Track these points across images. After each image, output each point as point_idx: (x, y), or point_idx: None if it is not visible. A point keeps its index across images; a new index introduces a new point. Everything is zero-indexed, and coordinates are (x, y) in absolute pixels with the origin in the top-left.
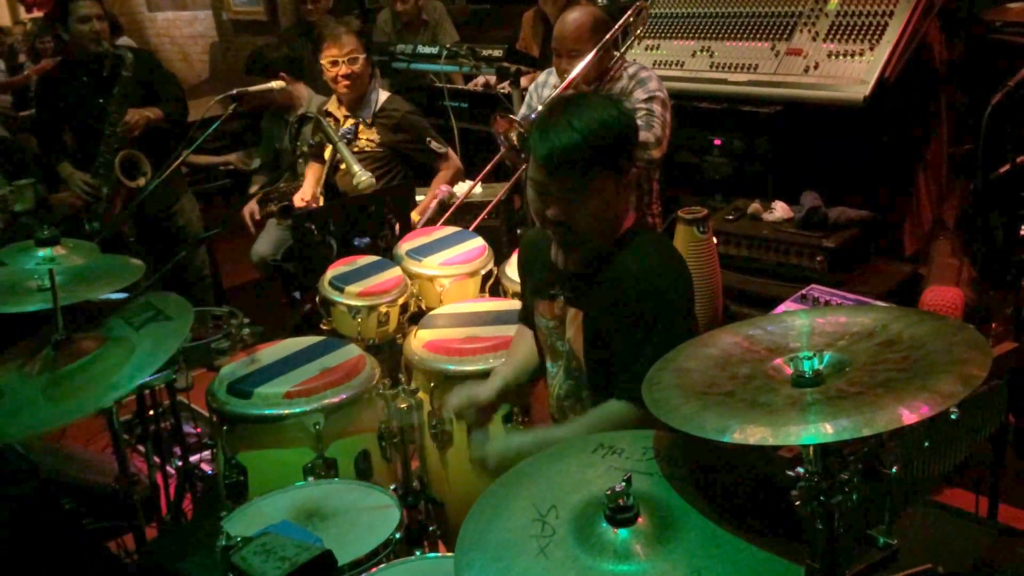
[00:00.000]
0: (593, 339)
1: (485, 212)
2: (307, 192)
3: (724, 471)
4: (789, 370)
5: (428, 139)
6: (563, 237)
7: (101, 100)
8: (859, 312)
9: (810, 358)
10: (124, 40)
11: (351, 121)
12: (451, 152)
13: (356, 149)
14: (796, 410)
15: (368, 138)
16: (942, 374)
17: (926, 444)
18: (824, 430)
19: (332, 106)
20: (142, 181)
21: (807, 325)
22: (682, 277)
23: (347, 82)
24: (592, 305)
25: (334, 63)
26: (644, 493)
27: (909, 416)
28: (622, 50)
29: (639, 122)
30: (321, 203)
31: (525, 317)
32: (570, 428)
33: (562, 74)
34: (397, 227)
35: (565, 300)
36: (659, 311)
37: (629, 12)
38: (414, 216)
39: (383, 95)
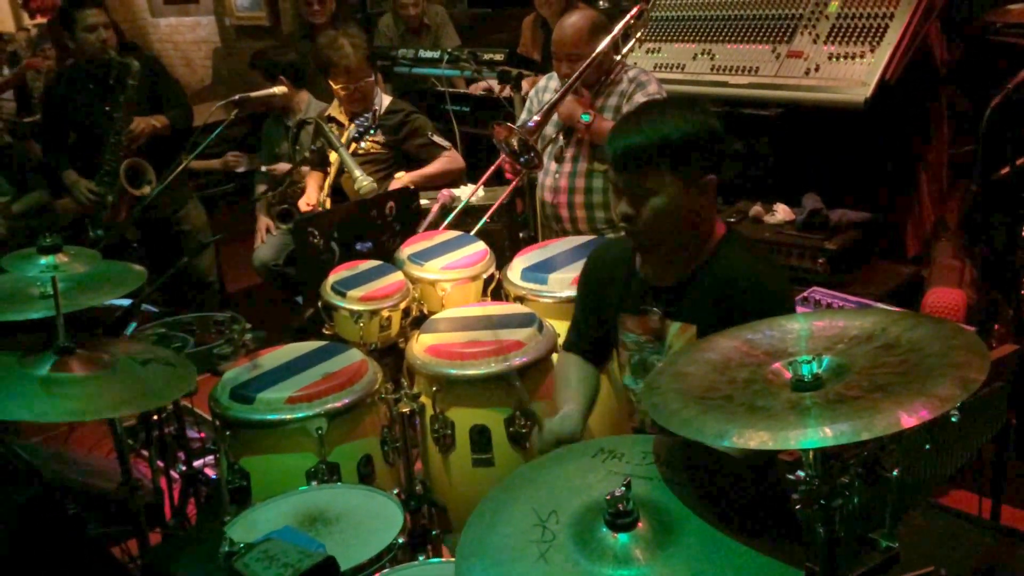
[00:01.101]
0: None
1: (487, 216)
2: (311, 197)
3: (723, 475)
4: (788, 374)
5: (430, 133)
6: (633, 237)
7: (107, 108)
8: (858, 316)
9: (809, 362)
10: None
11: (354, 125)
12: (454, 150)
13: (361, 151)
14: (795, 414)
15: (373, 140)
16: (940, 378)
17: (927, 447)
18: (824, 434)
19: (335, 110)
20: (147, 189)
21: (806, 329)
22: (785, 277)
23: (357, 100)
24: (702, 317)
25: (344, 88)
26: (644, 497)
27: (908, 420)
28: (623, 53)
29: None
30: (328, 206)
31: (574, 345)
32: None
33: (563, 78)
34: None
35: (664, 315)
36: (776, 311)
37: (629, 15)
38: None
39: (386, 99)
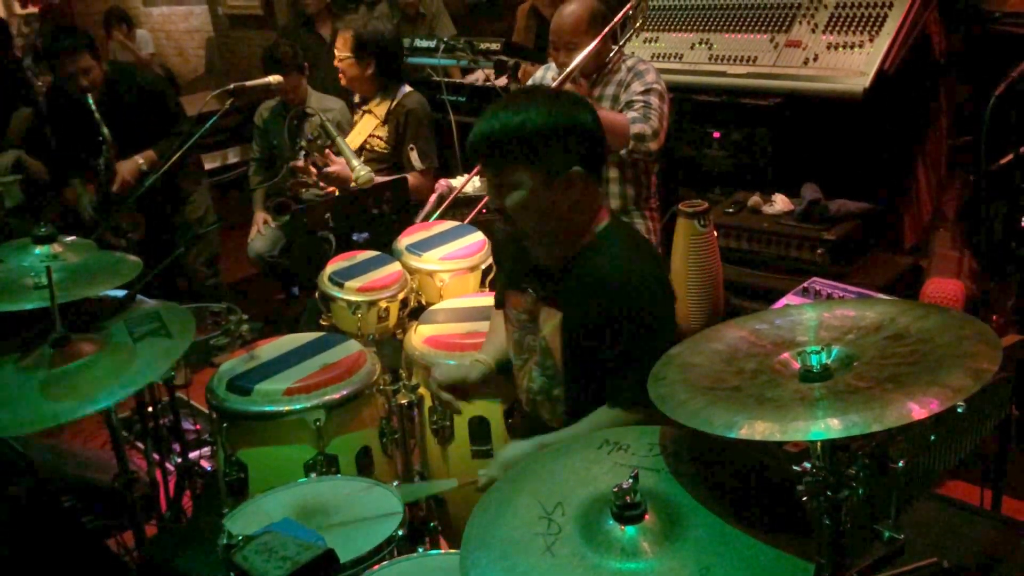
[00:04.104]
0: (572, 342)
1: (479, 206)
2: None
3: (731, 466)
4: (796, 365)
5: (411, 147)
6: (509, 224)
7: (100, 138)
8: (866, 306)
9: (818, 352)
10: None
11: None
12: (427, 173)
13: (368, 147)
14: (804, 405)
15: (378, 136)
16: (952, 368)
17: (932, 438)
18: (833, 425)
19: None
20: (135, 236)
21: (814, 319)
22: (656, 276)
23: (342, 75)
24: (569, 307)
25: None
26: (651, 490)
27: (919, 411)
28: (621, 43)
29: (635, 113)
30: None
31: (496, 300)
32: (566, 435)
33: (560, 67)
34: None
35: (538, 297)
36: (640, 316)
37: (629, 5)
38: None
39: (404, 90)
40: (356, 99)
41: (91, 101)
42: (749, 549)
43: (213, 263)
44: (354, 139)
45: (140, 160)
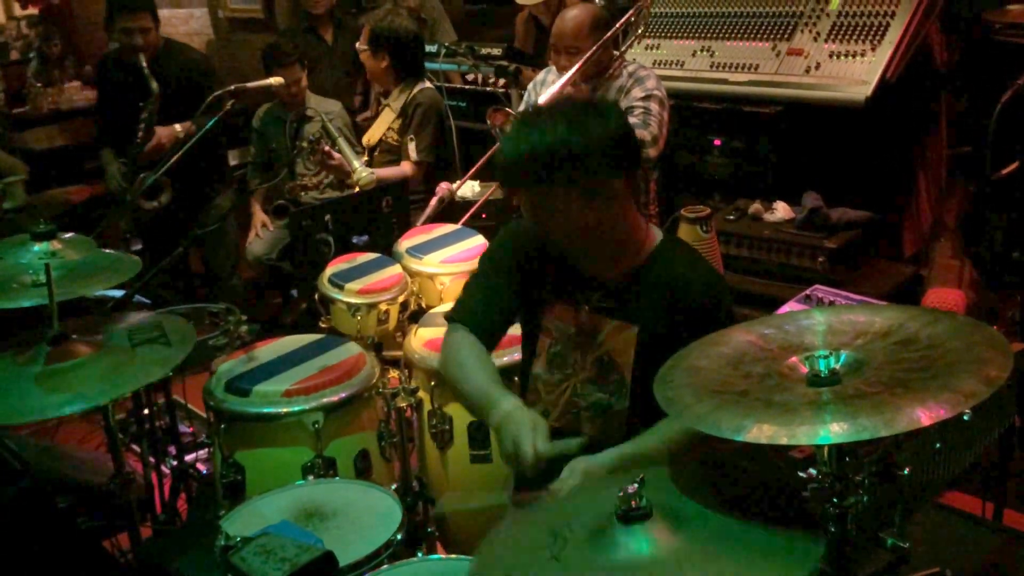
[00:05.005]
0: (649, 355)
1: (472, 209)
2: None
3: (737, 474)
4: (804, 369)
5: (411, 137)
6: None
7: (140, 104)
8: (875, 311)
9: (826, 357)
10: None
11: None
12: (420, 166)
13: (383, 139)
14: (812, 409)
15: (393, 128)
16: (963, 374)
17: (937, 446)
18: (842, 430)
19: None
20: (163, 199)
21: (822, 324)
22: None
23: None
24: (648, 318)
25: None
26: (660, 502)
27: (928, 417)
28: (622, 49)
29: (635, 119)
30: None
31: (467, 318)
32: (647, 441)
33: (560, 71)
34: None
35: (598, 310)
36: (725, 314)
37: (631, 11)
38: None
39: (421, 86)
40: (377, 92)
41: (143, 60)
42: (755, 545)
43: (236, 264)
44: (374, 133)
45: (179, 128)
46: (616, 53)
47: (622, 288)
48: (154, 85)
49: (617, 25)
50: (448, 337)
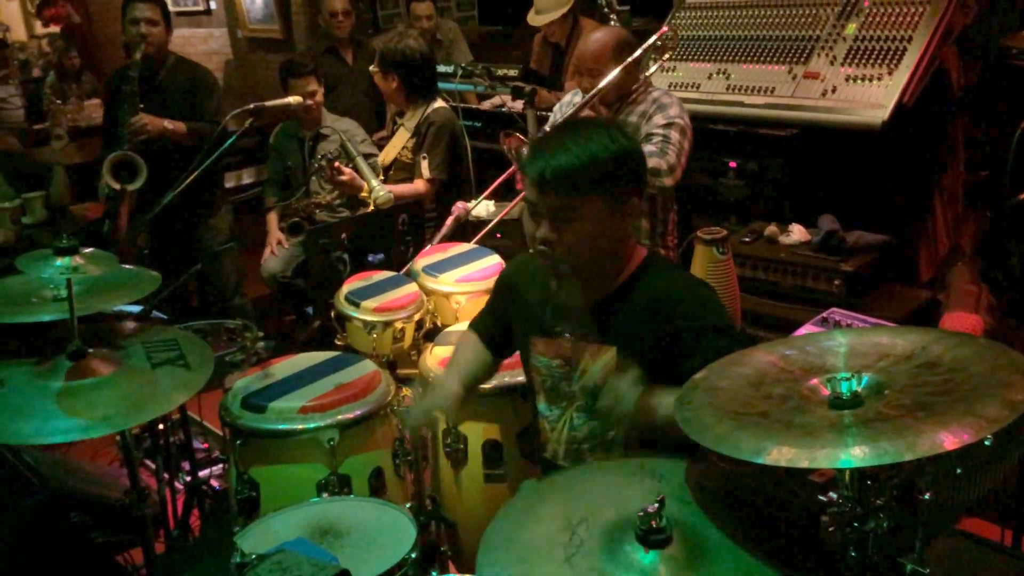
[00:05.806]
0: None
1: (486, 228)
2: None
3: (761, 504)
4: (826, 391)
5: (423, 155)
6: (551, 262)
7: (142, 105)
8: (898, 333)
9: (848, 379)
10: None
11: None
12: (433, 183)
13: (398, 159)
14: (834, 432)
15: (408, 147)
16: (987, 398)
17: (958, 471)
18: (863, 454)
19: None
20: (138, 183)
21: (844, 345)
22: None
23: None
24: (625, 337)
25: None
26: (678, 519)
27: (952, 441)
28: (647, 74)
29: (652, 147)
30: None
31: (477, 326)
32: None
33: (583, 92)
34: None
35: (577, 338)
36: (709, 313)
37: (656, 36)
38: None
39: (434, 105)
40: (392, 112)
41: (139, 53)
42: None
43: (239, 284)
44: (389, 152)
45: (168, 124)
46: (641, 77)
47: (601, 310)
48: (136, 60)
49: (641, 48)
50: (460, 337)
